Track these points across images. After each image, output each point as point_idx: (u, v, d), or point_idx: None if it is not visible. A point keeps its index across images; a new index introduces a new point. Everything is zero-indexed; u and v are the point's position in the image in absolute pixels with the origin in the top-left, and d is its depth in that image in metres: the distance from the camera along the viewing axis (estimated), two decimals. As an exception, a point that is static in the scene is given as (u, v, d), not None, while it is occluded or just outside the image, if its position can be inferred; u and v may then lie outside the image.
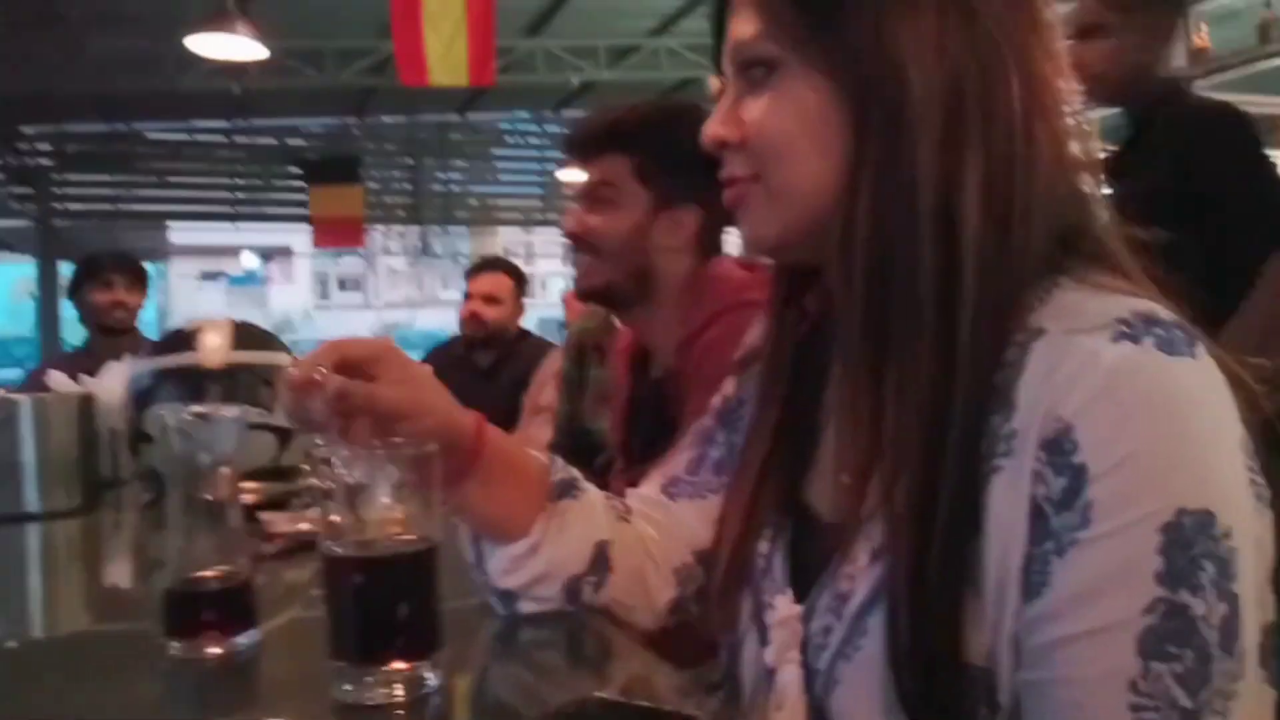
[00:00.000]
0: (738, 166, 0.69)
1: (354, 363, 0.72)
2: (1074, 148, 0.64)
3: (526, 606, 0.82)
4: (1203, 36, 5.87)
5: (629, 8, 7.44)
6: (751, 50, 0.66)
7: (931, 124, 0.60)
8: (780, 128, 0.65)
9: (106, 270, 2.99)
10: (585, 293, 1.50)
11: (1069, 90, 0.64)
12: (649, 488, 0.88)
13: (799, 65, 0.64)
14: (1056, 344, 0.57)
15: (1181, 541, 0.53)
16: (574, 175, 1.63)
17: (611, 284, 1.45)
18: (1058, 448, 0.55)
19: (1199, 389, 0.56)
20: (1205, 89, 6.24)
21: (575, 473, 0.85)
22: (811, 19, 0.63)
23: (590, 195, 1.45)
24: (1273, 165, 1.93)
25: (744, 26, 0.66)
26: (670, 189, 1.41)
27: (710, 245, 1.46)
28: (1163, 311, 0.58)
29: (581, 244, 1.45)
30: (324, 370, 0.70)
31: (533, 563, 0.80)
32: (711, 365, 1.37)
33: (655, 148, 1.41)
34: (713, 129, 0.69)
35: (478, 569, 0.83)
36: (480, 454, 0.77)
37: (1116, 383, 0.55)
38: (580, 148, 1.48)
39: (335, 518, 0.67)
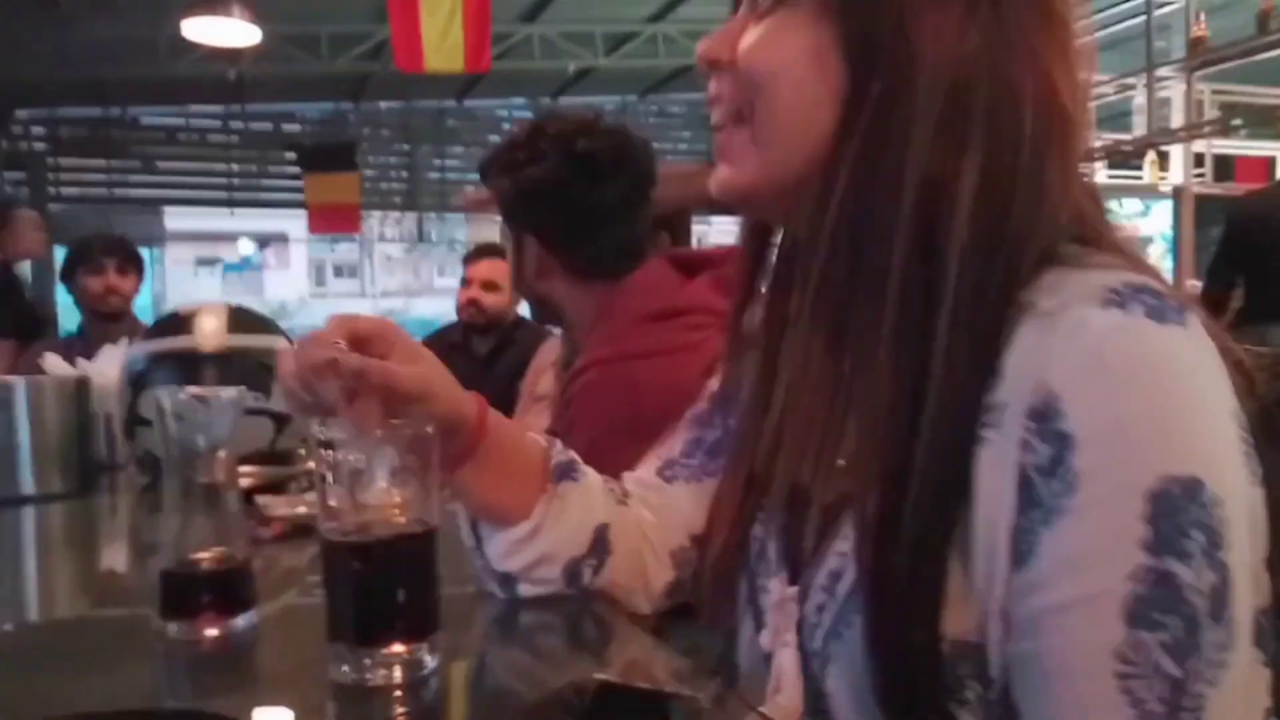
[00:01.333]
0: (723, 86, 0.67)
1: (363, 339, 0.71)
2: (1084, 180, 0.62)
3: (526, 590, 0.82)
4: (1201, 26, 5.86)
5: (626, -7, 7.41)
6: None
7: (929, 113, 0.59)
8: (773, 55, 0.63)
9: (98, 255, 2.97)
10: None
11: (1086, 122, 0.63)
12: (645, 471, 0.88)
13: (811, 2, 0.62)
14: (1046, 315, 0.56)
15: (1168, 509, 0.52)
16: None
17: (540, 316, 1.64)
18: (1045, 416, 0.54)
19: (1188, 357, 0.55)
20: (1203, 79, 6.24)
21: (575, 455, 0.85)
22: None
23: None
24: None
25: None
26: (515, 223, 1.48)
27: (579, 265, 1.45)
28: (1155, 283, 0.57)
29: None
30: (342, 346, 0.68)
31: (533, 545, 0.80)
32: (570, 417, 1.36)
33: (500, 189, 1.46)
34: (707, 46, 0.68)
35: (477, 553, 0.83)
36: (483, 437, 0.77)
37: (1104, 349, 0.54)
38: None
39: (333, 501, 0.67)
